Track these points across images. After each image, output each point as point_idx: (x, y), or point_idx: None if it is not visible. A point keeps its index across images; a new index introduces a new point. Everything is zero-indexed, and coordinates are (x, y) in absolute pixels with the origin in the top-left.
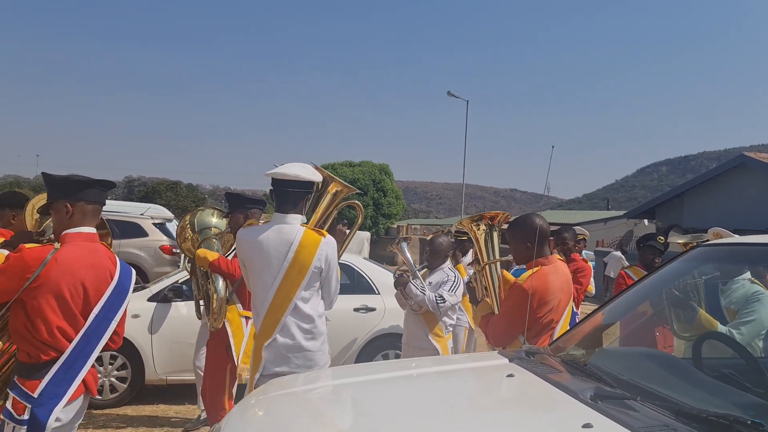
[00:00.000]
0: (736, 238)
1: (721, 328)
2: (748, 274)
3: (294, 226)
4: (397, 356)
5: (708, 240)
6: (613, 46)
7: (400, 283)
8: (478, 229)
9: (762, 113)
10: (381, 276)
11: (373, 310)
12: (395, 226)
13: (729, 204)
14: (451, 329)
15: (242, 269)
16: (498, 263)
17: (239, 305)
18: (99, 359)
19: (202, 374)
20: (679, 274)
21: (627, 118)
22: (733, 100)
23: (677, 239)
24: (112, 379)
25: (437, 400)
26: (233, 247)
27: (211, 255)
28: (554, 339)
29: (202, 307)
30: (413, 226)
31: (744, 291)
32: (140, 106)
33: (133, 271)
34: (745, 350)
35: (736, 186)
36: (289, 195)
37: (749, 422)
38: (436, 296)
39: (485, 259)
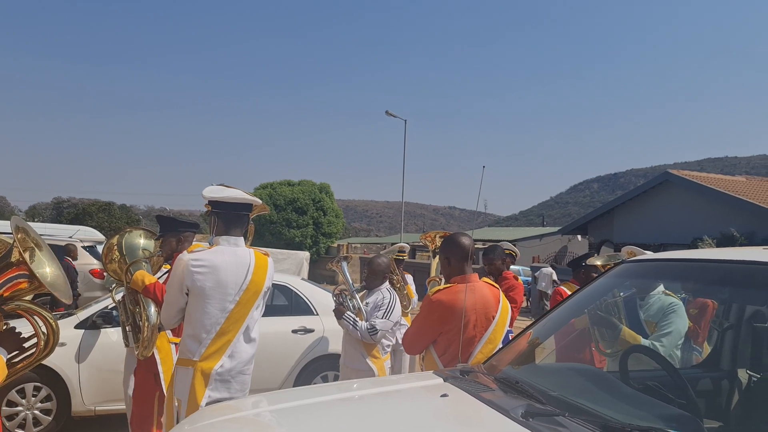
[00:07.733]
0: (653, 255)
1: (644, 342)
2: (661, 287)
3: (245, 248)
4: (337, 377)
5: (625, 259)
6: (541, 62)
7: (337, 315)
8: (436, 246)
9: (685, 131)
10: (319, 296)
11: (311, 331)
12: (336, 245)
13: (655, 219)
14: (389, 350)
15: (176, 294)
16: (441, 280)
17: (169, 332)
18: (21, 391)
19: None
20: (605, 290)
21: (559, 135)
22: (659, 118)
23: (595, 260)
24: (36, 412)
25: (373, 423)
26: (164, 271)
27: (149, 278)
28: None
29: (129, 334)
30: (354, 245)
31: (660, 304)
32: (70, 125)
33: None
34: (668, 362)
35: (662, 202)
36: (240, 218)
37: None
38: (368, 327)
39: (432, 275)
